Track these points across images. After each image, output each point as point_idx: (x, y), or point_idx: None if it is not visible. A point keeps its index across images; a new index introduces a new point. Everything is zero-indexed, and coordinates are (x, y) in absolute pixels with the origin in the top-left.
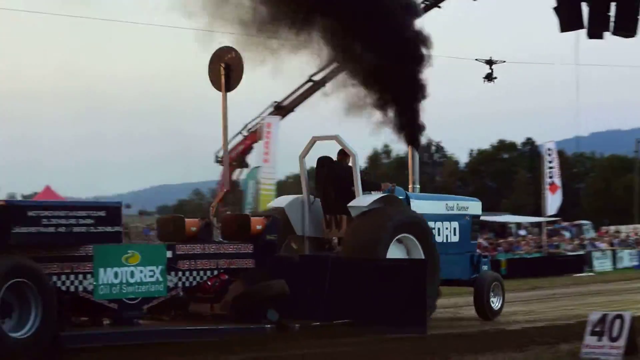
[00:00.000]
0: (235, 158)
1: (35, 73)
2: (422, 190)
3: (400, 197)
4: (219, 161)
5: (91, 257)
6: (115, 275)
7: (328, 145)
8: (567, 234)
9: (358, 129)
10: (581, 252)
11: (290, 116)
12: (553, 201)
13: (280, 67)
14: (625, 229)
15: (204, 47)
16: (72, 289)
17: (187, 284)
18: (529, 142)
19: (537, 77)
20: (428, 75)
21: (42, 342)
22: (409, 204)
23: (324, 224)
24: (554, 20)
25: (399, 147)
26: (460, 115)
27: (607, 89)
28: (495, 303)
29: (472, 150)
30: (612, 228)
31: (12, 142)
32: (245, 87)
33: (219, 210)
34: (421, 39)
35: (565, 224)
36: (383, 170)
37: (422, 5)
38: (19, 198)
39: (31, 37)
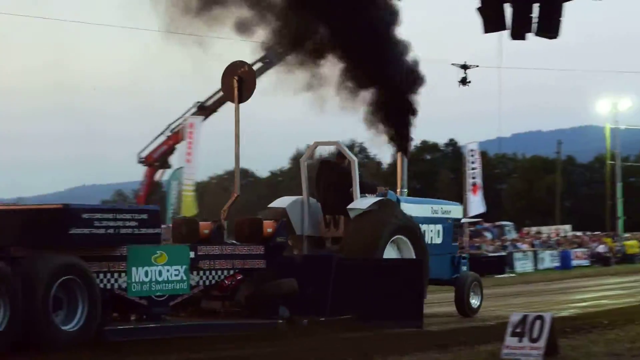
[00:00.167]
0: (158, 158)
1: None
2: None
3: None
4: (141, 162)
5: (125, 257)
6: (146, 274)
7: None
8: (488, 235)
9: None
10: (503, 253)
11: (213, 116)
12: (475, 202)
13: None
14: (547, 230)
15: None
16: (108, 286)
17: (207, 283)
18: (452, 142)
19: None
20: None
21: (88, 335)
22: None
23: (322, 224)
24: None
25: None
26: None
27: (528, 91)
28: (475, 301)
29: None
30: (534, 229)
31: None
32: (169, 88)
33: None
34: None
35: (487, 224)
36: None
37: None
38: None
39: None
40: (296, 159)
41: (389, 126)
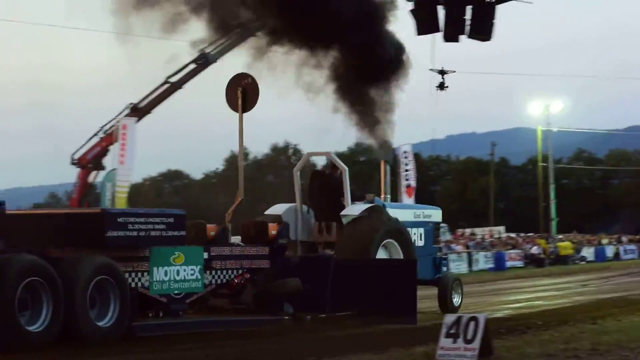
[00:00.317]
0: (92, 160)
1: None
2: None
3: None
4: (74, 163)
5: (148, 258)
6: (165, 273)
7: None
8: None
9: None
10: None
11: (147, 118)
12: (409, 203)
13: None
14: (481, 232)
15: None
16: (133, 285)
17: (219, 282)
18: None
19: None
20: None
21: (119, 331)
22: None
23: (315, 230)
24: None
25: None
26: (319, 118)
27: (462, 93)
28: (457, 299)
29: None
30: (468, 230)
31: None
32: (104, 90)
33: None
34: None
35: None
36: None
37: None
38: None
39: None
40: (230, 161)
41: (373, 137)
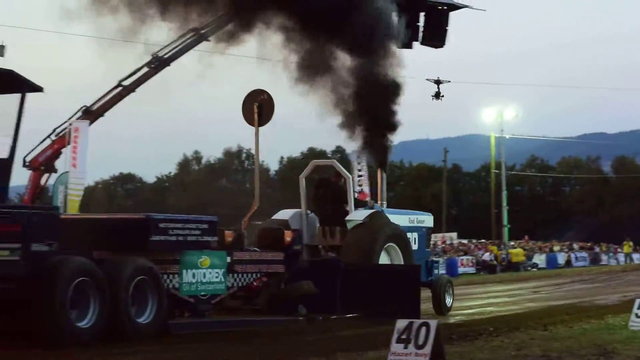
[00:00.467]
0: (44, 163)
1: None
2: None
3: None
4: (26, 166)
5: (178, 261)
6: (193, 275)
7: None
8: None
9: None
10: None
11: (100, 121)
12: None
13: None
14: (433, 238)
15: None
16: (165, 286)
17: (240, 284)
18: (339, 150)
19: None
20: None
21: (156, 328)
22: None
23: (320, 234)
24: None
25: None
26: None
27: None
28: (449, 300)
29: (282, 158)
30: None
31: None
32: (60, 92)
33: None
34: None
35: None
36: None
37: None
38: None
39: None
40: (182, 164)
41: (369, 145)
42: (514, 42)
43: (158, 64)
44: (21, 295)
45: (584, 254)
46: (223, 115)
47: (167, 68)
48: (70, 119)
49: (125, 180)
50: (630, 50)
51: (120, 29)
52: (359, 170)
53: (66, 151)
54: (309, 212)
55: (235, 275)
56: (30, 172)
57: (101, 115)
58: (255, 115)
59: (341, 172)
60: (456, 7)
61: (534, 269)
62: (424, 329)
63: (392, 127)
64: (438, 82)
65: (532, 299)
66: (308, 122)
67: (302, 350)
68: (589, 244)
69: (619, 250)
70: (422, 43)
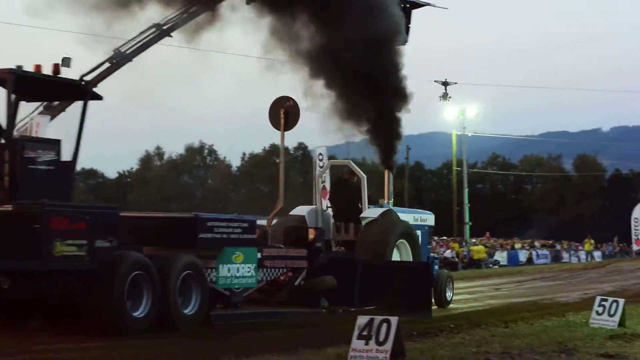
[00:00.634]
0: None
1: None
2: None
3: None
4: None
5: (216, 256)
6: (228, 270)
7: None
8: None
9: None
10: None
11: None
12: (324, 206)
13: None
14: None
15: None
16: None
17: (268, 278)
18: (301, 146)
19: None
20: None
21: (199, 318)
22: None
23: (334, 229)
24: None
25: None
26: (232, 118)
27: None
28: (449, 294)
29: (244, 154)
30: None
31: None
32: None
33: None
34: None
35: None
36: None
37: None
38: None
39: None
40: (144, 160)
41: (377, 146)
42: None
43: (120, 59)
44: (84, 286)
45: (546, 251)
46: (186, 111)
47: (129, 63)
48: (31, 113)
49: (88, 176)
50: (591, 53)
51: (86, 24)
52: (321, 167)
53: None
54: (328, 205)
55: (265, 269)
56: None
57: (62, 110)
58: (282, 121)
59: (356, 172)
60: (418, 4)
61: (496, 267)
62: (384, 326)
63: (399, 133)
64: (445, 83)
65: (493, 296)
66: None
67: (259, 346)
68: (550, 242)
69: (580, 248)
70: None
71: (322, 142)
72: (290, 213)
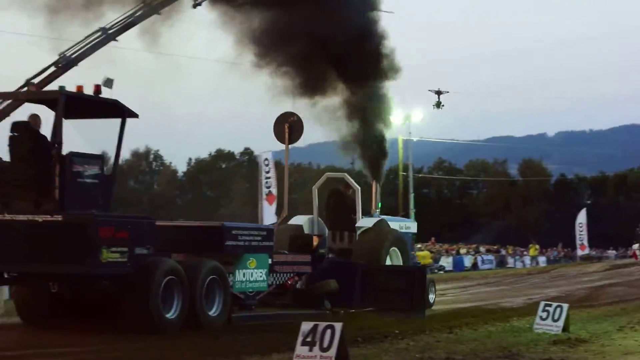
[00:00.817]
0: None
1: None
2: None
3: None
4: None
5: (232, 262)
6: (244, 275)
7: None
8: None
9: None
10: None
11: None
12: (270, 211)
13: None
14: None
15: None
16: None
17: (278, 282)
18: (247, 152)
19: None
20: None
21: (222, 320)
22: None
23: (329, 238)
24: None
25: None
26: (179, 123)
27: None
28: (431, 297)
29: (190, 159)
30: None
31: None
32: None
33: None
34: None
35: None
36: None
37: None
38: None
39: None
40: None
41: (364, 159)
42: (423, 47)
43: (65, 63)
44: (123, 289)
45: (491, 256)
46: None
47: (75, 68)
48: None
49: None
50: (537, 59)
51: (34, 26)
52: (267, 173)
53: None
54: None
55: (275, 274)
56: None
57: (7, 114)
58: (286, 135)
59: (351, 184)
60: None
61: (441, 272)
62: (329, 332)
63: (384, 150)
64: (439, 92)
65: (438, 301)
66: (215, 124)
67: (207, 352)
68: (495, 247)
69: (525, 253)
70: None
71: (267, 147)
72: (289, 222)
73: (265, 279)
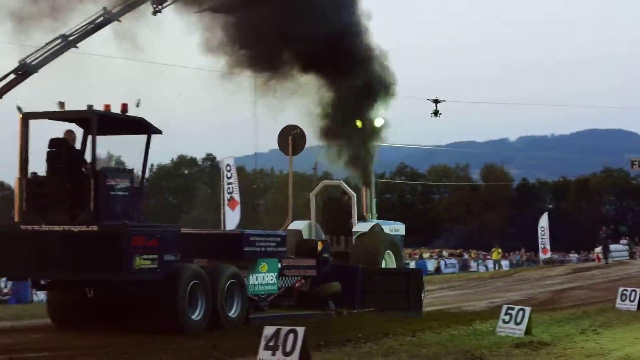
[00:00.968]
0: None
1: None
2: None
3: None
4: None
5: (246, 267)
6: (256, 278)
7: None
8: None
9: None
10: None
11: None
12: (233, 217)
13: None
14: None
15: None
16: None
17: (286, 285)
18: (210, 157)
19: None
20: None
21: (240, 321)
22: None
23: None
24: None
25: None
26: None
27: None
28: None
29: (152, 165)
30: None
31: None
32: None
33: None
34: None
35: None
36: None
37: None
38: None
39: None
40: None
41: (354, 166)
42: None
43: (25, 70)
44: (152, 293)
45: (454, 260)
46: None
47: (35, 75)
48: None
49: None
50: (498, 63)
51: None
52: (229, 178)
53: None
54: (316, 223)
55: (284, 277)
56: None
57: None
58: (290, 147)
59: (347, 191)
60: None
61: None
62: (291, 336)
63: (372, 154)
64: (436, 101)
65: None
66: (176, 129)
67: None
68: (458, 251)
69: (487, 257)
70: None
71: (230, 153)
72: (288, 228)
73: (275, 282)
